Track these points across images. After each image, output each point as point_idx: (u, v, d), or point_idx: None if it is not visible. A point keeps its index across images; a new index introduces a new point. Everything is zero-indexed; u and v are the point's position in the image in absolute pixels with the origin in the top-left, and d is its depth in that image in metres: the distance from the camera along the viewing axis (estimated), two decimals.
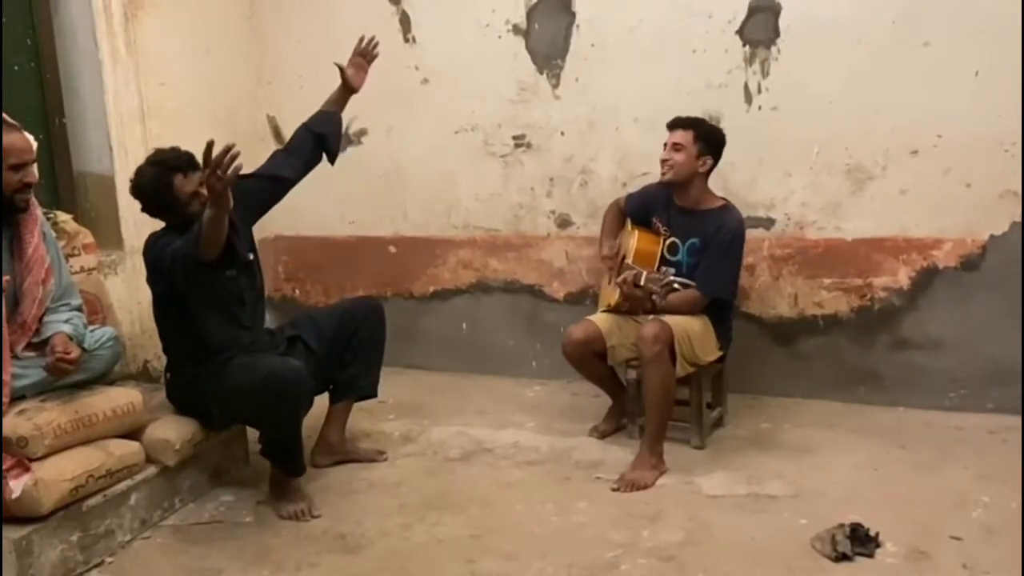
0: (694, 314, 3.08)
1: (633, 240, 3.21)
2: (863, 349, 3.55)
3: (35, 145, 2.49)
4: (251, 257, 2.90)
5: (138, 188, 2.74)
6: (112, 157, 3.46)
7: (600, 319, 3.22)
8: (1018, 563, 2.27)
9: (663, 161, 3.14)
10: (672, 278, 2.87)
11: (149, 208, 2.77)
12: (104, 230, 3.43)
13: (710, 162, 3.13)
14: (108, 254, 3.42)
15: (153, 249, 2.70)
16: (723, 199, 3.22)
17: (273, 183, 3.00)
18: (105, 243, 3.39)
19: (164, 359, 2.96)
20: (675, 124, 3.15)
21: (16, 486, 2.25)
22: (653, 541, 2.50)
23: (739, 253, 3.18)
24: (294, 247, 4.49)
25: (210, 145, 2.31)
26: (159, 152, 2.76)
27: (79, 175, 3.51)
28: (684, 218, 3.19)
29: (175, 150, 2.73)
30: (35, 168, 2.45)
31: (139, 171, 2.75)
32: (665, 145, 3.14)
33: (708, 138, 3.12)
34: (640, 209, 3.33)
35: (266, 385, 2.57)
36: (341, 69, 3.07)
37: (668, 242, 3.20)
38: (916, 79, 3.30)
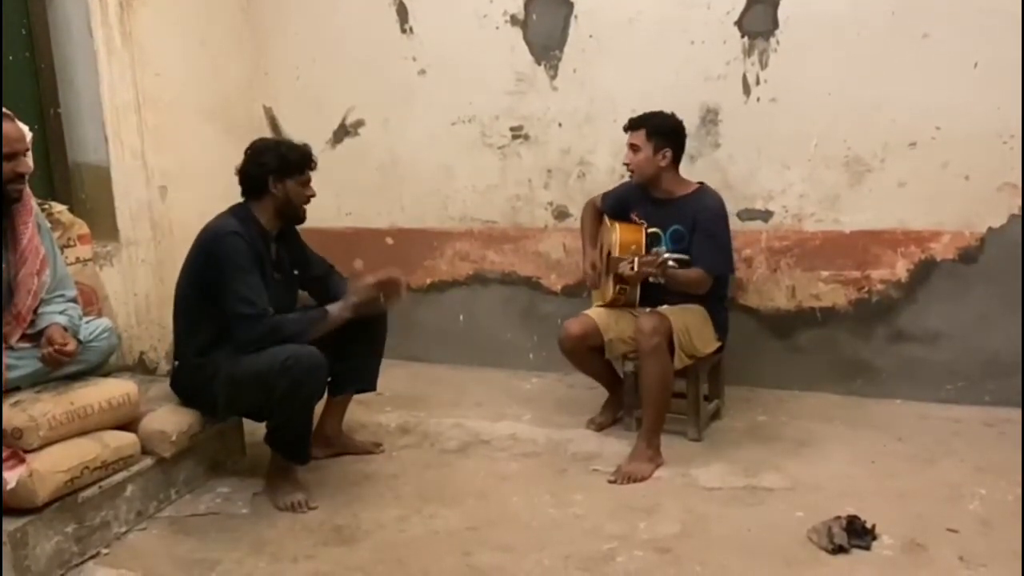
0: (701, 292, 3.07)
1: (615, 234, 3.19)
2: (861, 342, 3.55)
3: (29, 135, 2.47)
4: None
5: (278, 146, 2.85)
6: (107, 148, 3.44)
7: (596, 313, 3.22)
8: (1014, 555, 2.28)
9: (626, 164, 3.18)
10: (666, 255, 2.81)
11: (265, 175, 2.79)
12: (100, 221, 3.41)
13: (670, 153, 3.12)
14: (104, 245, 3.40)
15: (227, 243, 2.69)
16: (697, 183, 3.22)
17: (310, 277, 3.10)
18: (101, 234, 3.37)
19: (158, 350, 2.95)
20: (627, 126, 3.18)
21: (11, 477, 2.24)
22: (649, 533, 2.50)
23: (726, 229, 3.18)
24: None
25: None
26: (293, 143, 2.92)
27: (74, 166, 3.49)
28: (661, 209, 3.18)
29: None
30: (29, 158, 2.44)
31: (285, 140, 2.88)
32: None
33: (660, 131, 3.11)
34: (618, 206, 3.32)
35: (285, 369, 2.56)
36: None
37: (650, 232, 3.19)
38: (915, 71, 3.29)
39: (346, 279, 3.10)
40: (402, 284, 2.92)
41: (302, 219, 2.94)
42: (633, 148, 3.14)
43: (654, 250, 2.91)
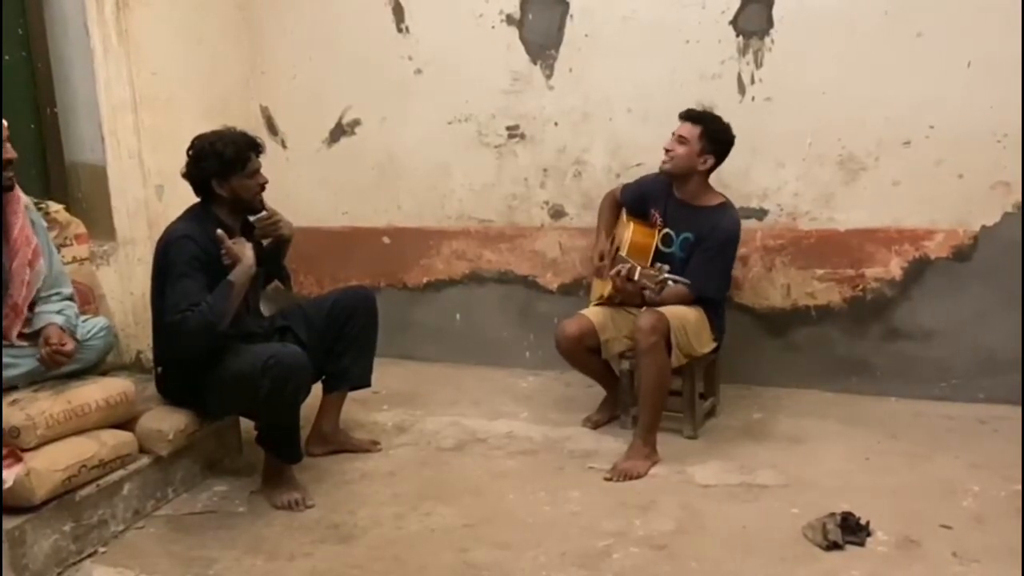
0: (684, 304, 3.08)
1: (628, 232, 3.20)
2: (855, 339, 3.57)
3: (4, 123, 2.47)
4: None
5: (212, 145, 2.73)
6: (104, 147, 3.44)
7: (593, 313, 3.22)
8: (1007, 551, 2.29)
9: (666, 150, 3.12)
10: (667, 275, 2.82)
11: (207, 166, 2.73)
12: (96, 220, 3.41)
13: (711, 161, 3.11)
14: (100, 244, 3.40)
15: (173, 249, 2.67)
16: (723, 196, 3.20)
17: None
18: (97, 233, 3.37)
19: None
20: (686, 116, 3.12)
21: (9, 476, 2.24)
22: (645, 530, 2.52)
23: (731, 255, 3.18)
24: None
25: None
26: (234, 127, 2.83)
27: (71, 165, 3.49)
28: (681, 211, 3.18)
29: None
30: (10, 145, 2.45)
31: (219, 132, 2.77)
32: (672, 134, 3.13)
33: (714, 137, 3.08)
34: (638, 199, 3.32)
35: (266, 369, 2.56)
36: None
37: (663, 232, 3.19)
38: (909, 70, 3.31)
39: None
40: (265, 218, 2.85)
41: (259, 209, 2.85)
42: (681, 139, 3.08)
43: (657, 265, 2.88)
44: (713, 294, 3.14)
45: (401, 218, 4.26)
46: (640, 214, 3.29)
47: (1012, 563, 2.24)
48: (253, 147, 2.80)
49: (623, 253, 3.13)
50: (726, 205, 3.18)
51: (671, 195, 3.20)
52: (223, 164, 2.73)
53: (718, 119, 3.14)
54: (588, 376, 3.43)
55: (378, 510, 2.70)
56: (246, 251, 2.71)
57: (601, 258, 3.34)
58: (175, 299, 2.59)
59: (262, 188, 2.83)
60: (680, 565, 2.32)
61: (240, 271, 2.67)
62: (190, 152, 2.78)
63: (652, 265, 3.02)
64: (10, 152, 2.43)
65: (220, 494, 2.85)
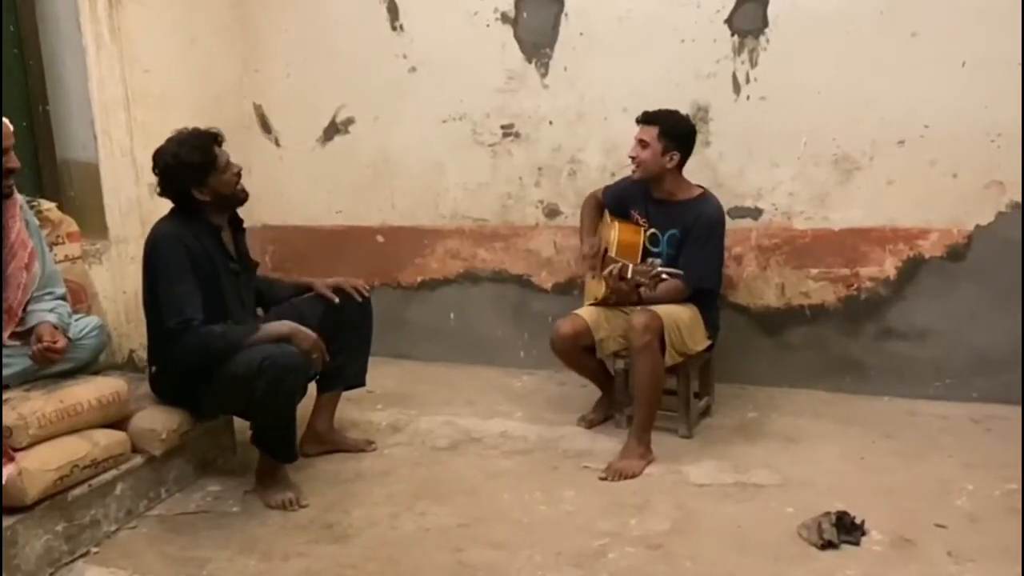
0: (680, 303, 3.08)
1: (614, 232, 3.20)
2: (849, 339, 3.57)
3: (12, 129, 2.46)
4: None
5: (176, 157, 2.66)
6: (96, 145, 3.43)
7: (587, 312, 3.22)
8: (1002, 550, 2.30)
9: (631, 158, 3.14)
10: (660, 268, 2.83)
11: (180, 179, 2.67)
12: (89, 218, 3.40)
13: (677, 156, 3.10)
14: (93, 243, 3.39)
15: (162, 250, 2.64)
16: (700, 187, 3.21)
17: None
18: (90, 232, 3.36)
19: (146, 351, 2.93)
20: (641, 118, 3.13)
21: (2, 475, 2.23)
22: (640, 529, 2.51)
23: (720, 242, 3.17)
24: (281, 237, 4.47)
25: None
26: (185, 129, 2.73)
27: (63, 163, 3.48)
28: (662, 210, 3.18)
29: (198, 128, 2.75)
30: (14, 154, 2.44)
31: (176, 141, 2.69)
32: (635, 140, 3.13)
33: (673, 133, 3.08)
34: (618, 202, 3.33)
35: (262, 371, 2.54)
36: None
37: (648, 233, 3.20)
38: (903, 70, 3.31)
39: (271, 282, 3.18)
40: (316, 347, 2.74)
41: (243, 198, 2.82)
42: (641, 143, 3.10)
43: (649, 260, 2.88)
44: (710, 284, 3.14)
45: (395, 217, 4.25)
46: (622, 215, 3.29)
47: (1007, 562, 2.24)
48: (213, 140, 2.73)
49: (612, 253, 3.13)
50: (706, 195, 3.18)
51: (650, 196, 3.20)
52: (195, 171, 2.67)
53: (674, 114, 3.14)
54: (583, 376, 3.43)
55: (372, 510, 2.69)
56: (309, 337, 2.71)
57: (594, 255, 3.34)
58: (176, 304, 2.58)
59: (238, 176, 2.78)
60: (675, 565, 2.32)
61: (277, 330, 2.67)
62: (156, 171, 2.71)
63: (643, 261, 3.02)
64: (13, 162, 2.43)
65: (214, 494, 2.84)
